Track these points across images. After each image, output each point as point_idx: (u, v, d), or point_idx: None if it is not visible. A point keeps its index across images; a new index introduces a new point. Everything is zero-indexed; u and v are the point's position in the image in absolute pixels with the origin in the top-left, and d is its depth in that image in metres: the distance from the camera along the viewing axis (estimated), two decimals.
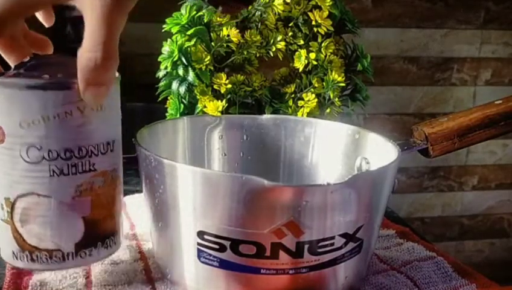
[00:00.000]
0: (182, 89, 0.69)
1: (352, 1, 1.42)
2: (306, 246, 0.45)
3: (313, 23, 0.70)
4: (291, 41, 0.70)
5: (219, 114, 0.65)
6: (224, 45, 0.69)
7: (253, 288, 0.46)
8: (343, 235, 0.46)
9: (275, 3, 0.69)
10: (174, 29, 0.69)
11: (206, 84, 0.68)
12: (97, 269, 0.53)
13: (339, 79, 0.69)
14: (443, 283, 0.53)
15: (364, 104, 0.75)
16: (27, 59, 0.44)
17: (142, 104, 1.08)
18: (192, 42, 0.68)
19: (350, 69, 0.73)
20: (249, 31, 0.70)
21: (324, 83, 0.70)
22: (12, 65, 0.45)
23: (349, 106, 0.73)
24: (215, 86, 0.69)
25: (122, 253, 0.56)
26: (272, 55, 0.70)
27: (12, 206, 0.43)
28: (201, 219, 0.45)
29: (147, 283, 0.51)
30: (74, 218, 0.44)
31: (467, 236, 1.68)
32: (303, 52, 0.69)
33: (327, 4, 0.70)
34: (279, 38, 0.70)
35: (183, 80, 0.69)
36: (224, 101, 0.68)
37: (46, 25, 0.49)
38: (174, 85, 0.69)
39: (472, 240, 1.68)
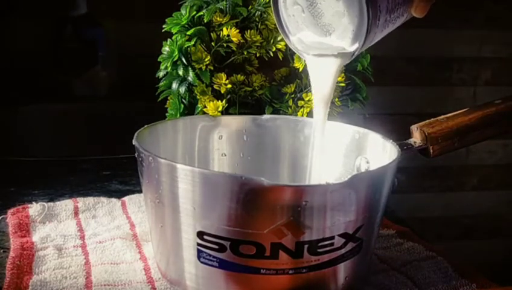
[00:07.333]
0: (182, 89, 0.69)
1: None
2: (306, 246, 0.45)
3: None
4: None
5: (219, 114, 0.65)
6: (224, 44, 0.69)
7: (253, 288, 0.46)
8: (343, 235, 0.46)
9: None
10: (174, 29, 0.69)
11: (206, 84, 0.68)
12: (97, 269, 0.53)
13: (339, 79, 0.69)
14: (443, 283, 0.53)
15: (364, 104, 0.75)
16: None
17: (142, 104, 1.07)
18: (192, 42, 0.68)
19: (350, 69, 0.73)
20: (249, 31, 0.69)
21: None
22: None
23: (349, 106, 0.73)
24: (215, 86, 0.69)
25: (122, 253, 0.56)
26: (271, 55, 0.70)
27: None
28: (201, 219, 0.45)
29: (147, 283, 0.51)
30: None
31: (467, 236, 1.68)
32: None
33: None
34: (279, 38, 0.69)
35: (183, 80, 0.69)
36: (224, 101, 0.67)
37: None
38: (174, 85, 0.69)
39: (472, 240, 1.68)
